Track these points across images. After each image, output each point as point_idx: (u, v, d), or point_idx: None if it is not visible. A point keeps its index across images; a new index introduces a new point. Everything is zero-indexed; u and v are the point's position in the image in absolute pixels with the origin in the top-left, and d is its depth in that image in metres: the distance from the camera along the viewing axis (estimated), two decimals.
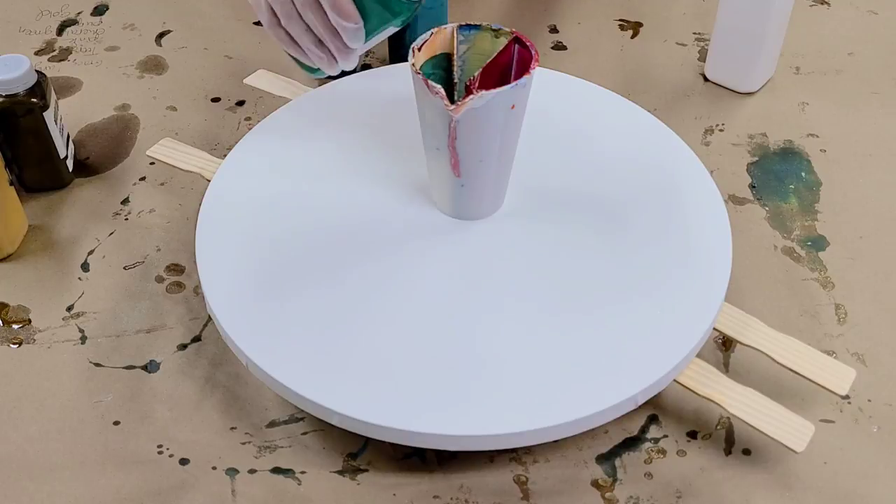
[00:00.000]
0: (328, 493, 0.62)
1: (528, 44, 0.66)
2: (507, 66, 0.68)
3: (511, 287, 0.66)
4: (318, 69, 0.77)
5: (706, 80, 0.93)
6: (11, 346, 0.70)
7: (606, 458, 0.64)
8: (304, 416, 0.66)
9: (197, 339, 0.71)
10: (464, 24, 0.67)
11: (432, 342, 0.63)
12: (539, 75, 0.78)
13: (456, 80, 0.69)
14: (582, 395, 0.60)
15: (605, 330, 0.63)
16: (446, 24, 0.68)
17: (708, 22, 1.00)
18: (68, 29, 1.00)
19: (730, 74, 0.92)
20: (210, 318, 0.72)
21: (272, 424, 0.66)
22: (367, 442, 0.64)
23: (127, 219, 0.80)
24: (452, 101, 0.64)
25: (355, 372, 0.61)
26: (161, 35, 0.99)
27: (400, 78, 0.78)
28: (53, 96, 0.79)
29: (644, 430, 0.65)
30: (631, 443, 0.65)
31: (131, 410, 0.66)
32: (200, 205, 0.72)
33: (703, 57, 0.96)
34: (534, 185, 0.73)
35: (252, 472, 0.63)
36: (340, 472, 0.63)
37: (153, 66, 0.96)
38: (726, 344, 0.70)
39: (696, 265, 0.67)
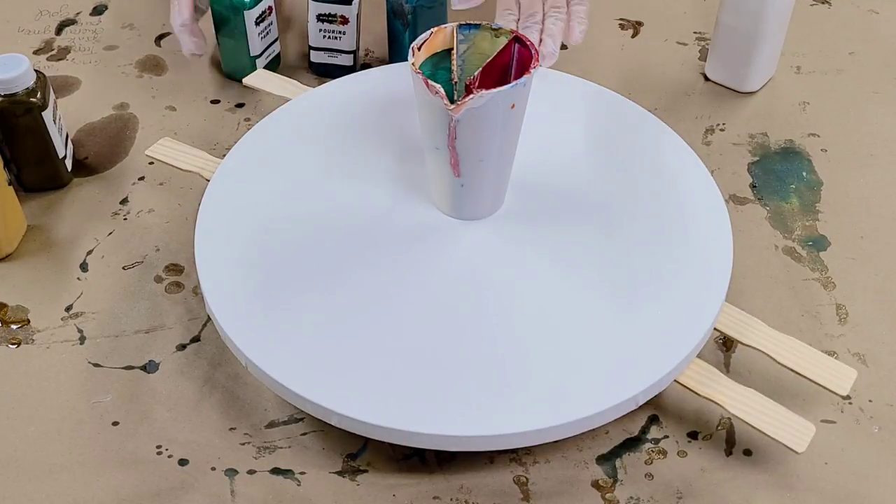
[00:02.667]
0: (328, 494, 0.62)
1: (528, 43, 0.65)
2: (507, 66, 0.67)
3: (510, 287, 0.66)
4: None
5: (707, 79, 0.93)
6: (10, 346, 0.70)
7: (607, 459, 0.64)
8: (304, 416, 0.66)
9: (196, 339, 0.71)
10: (464, 23, 0.67)
11: (432, 342, 0.63)
12: (539, 75, 0.78)
13: (456, 80, 0.69)
14: (582, 396, 0.60)
15: (605, 330, 0.63)
16: (446, 23, 0.67)
17: (708, 21, 1.00)
18: (67, 28, 1.00)
19: (730, 74, 0.91)
20: (209, 319, 0.72)
21: (271, 425, 0.65)
22: (366, 442, 0.64)
23: (126, 219, 0.80)
24: (452, 101, 0.64)
25: (355, 372, 0.61)
26: (160, 37, 0.99)
27: (400, 78, 0.78)
28: (52, 96, 0.79)
29: (645, 430, 0.65)
30: (631, 443, 0.65)
31: (130, 411, 0.66)
32: (199, 204, 0.72)
33: (703, 56, 0.96)
34: (534, 185, 0.73)
35: (251, 472, 0.63)
36: (340, 473, 0.63)
37: (152, 65, 0.96)
38: (727, 344, 0.70)
39: (697, 265, 0.67)
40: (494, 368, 0.61)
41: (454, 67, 0.68)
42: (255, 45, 0.89)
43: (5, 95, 0.76)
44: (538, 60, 0.64)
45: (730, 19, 0.88)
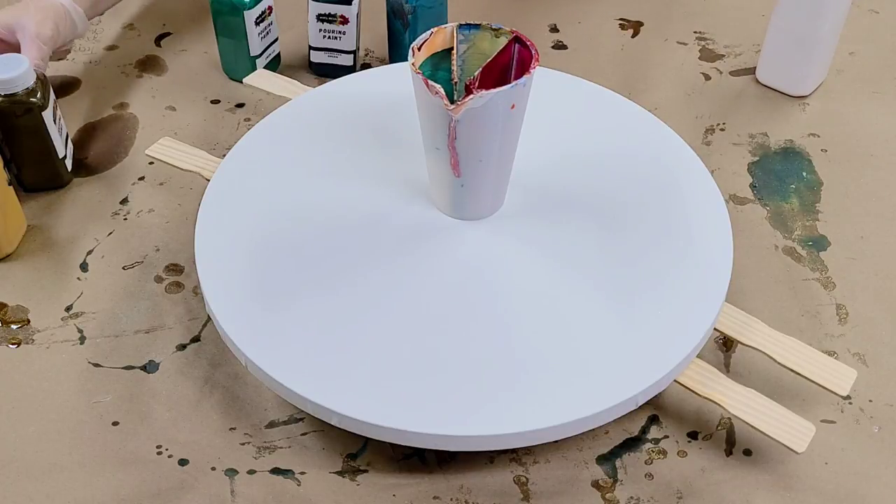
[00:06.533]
0: (328, 494, 0.62)
1: (528, 43, 0.65)
2: (507, 66, 0.67)
3: (510, 287, 0.66)
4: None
5: (758, 83, 0.92)
6: (10, 346, 0.70)
7: (607, 459, 0.64)
8: (304, 416, 0.66)
9: (196, 339, 0.71)
10: (464, 23, 0.67)
11: (432, 342, 0.63)
12: (539, 75, 0.78)
13: (456, 80, 0.69)
14: (582, 396, 0.60)
15: (605, 330, 0.63)
16: (446, 23, 0.67)
17: (708, 22, 1.00)
18: None
19: (783, 78, 0.91)
20: (209, 319, 0.72)
21: (271, 425, 0.65)
22: (366, 442, 0.64)
23: (126, 219, 0.80)
24: (452, 101, 0.64)
25: (355, 372, 0.61)
26: (160, 37, 0.99)
27: (400, 78, 0.78)
28: (52, 95, 0.79)
29: (645, 430, 0.65)
30: (631, 443, 0.65)
31: (130, 411, 0.66)
32: (199, 204, 0.72)
33: (704, 56, 0.96)
34: (534, 185, 0.73)
35: (251, 472, 0.63)
36: (340, 473, 0.63)
37: (152, 65, 0.96)
38: (727, 344, 0.70)
39: (697, 265, 0.67)
40: (494, 368, 0.61)
41: (454, 67, 0.68)
42: (255, 45, 0.89)
43: (5, 95, 0.76)
44: (538, 60, 0.64)
45: (785, 23, 0.87)
